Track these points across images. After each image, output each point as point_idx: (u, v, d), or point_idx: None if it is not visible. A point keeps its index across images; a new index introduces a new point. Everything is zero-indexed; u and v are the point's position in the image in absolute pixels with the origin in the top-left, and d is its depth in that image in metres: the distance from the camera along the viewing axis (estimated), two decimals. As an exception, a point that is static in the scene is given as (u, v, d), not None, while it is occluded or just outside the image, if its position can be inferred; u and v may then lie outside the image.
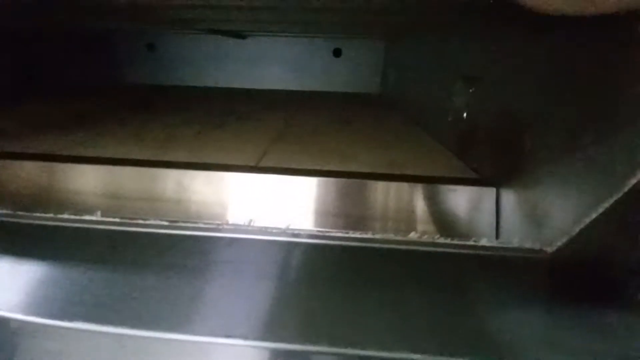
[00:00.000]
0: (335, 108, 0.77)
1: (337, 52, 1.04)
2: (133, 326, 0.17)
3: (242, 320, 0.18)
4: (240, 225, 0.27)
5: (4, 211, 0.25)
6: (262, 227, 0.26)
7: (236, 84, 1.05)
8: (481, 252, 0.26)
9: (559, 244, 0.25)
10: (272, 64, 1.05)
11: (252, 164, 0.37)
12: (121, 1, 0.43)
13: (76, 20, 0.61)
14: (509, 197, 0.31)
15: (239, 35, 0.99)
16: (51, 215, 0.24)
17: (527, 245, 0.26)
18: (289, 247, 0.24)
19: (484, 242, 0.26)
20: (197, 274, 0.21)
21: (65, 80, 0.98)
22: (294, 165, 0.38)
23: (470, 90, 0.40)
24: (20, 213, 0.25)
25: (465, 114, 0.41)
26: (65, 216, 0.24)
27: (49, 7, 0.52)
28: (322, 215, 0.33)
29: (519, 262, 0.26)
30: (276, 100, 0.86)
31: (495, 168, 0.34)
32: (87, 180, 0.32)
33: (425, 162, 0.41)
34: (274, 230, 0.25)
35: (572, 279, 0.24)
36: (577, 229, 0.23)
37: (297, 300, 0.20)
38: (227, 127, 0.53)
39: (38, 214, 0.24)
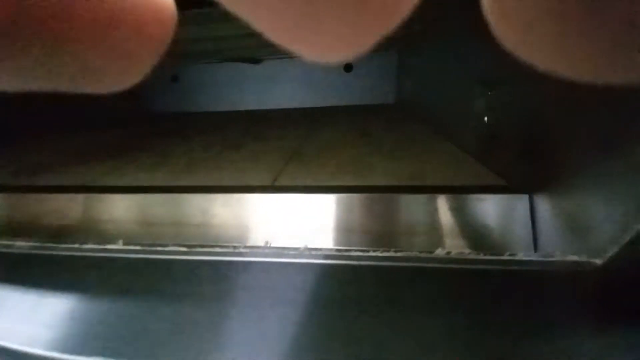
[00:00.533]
0: (351, 121, 0.77)
1: (347, 67, 1.05)
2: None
3: (261, 349, 0.17)
4: (257, 247, 0.27)
5: (31, 243, 0.26)
6: (279, 249, 0.25)
7: (253, 105, 1.08)
8: (519, 267, 0.23)
9: (610, 254, 0.22)
10: (286, 84, 1.07)
11: (268, 183, 0.36)
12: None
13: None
14: (544, 205, 0.28)
15: (254, 60, 1.02)
16: (77, 245, 0.25)
17: (571, 257, 0.24)
18: (307, 269, 0.23)
19: (521, 255, 0.24)
20: (215, 302, 0.20)
21: (92, 112, 1.05)
22: (310, 182, 0.37)
23: (489, 93, 0.38)
24: (47, 245, 0.26)
25: (486, 118, 0.39)
26: (89, 246, 0.25)
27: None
28: (343, 233, 0.31)
29: (565, 276, 0.23)
30: (292, 118, 0.87)
31: (527, 174, 0.31)
32: (112, 209, 0.33)
33: (449, 171, 0.39)
34: (292, 252, 0.24)
35: (629, 291, 0.21)
36: (627, 237, 0.21)
37: (318, 326, 0.19)
38: (244, 148, 0.54)
39: (64, 245, 0.25)
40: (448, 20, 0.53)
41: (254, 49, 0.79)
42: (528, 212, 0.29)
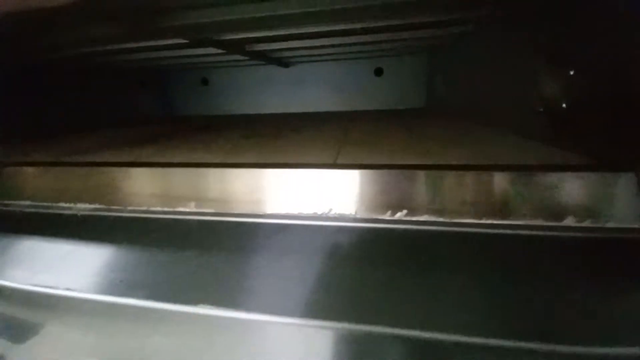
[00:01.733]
0: (388, 119, 0.75)
1: (378, 72, 1.04)
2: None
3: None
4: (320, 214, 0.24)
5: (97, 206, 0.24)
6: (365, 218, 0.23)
7: (281, 109, 1.08)
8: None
9: None
10: (315, 87, 1.07)
11: (330, 161, 0.34)
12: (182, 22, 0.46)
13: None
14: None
15: (283, 63, 1.03)
16: (144, 208, 0.23)
17: None
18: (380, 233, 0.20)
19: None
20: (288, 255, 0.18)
21: (122, 114, 1.06)
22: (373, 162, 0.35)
23: (571, 73, 0.35)
24: (130, 208, 0.24)
25: (564, 101, 0.36)
26: (161, 209, 0.23)
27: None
28: (418, 210, 0.28)
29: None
30: (323, 118, 0.86)
31: (627, 150, 0.28)
32: (173, 181, 0.31)
33: (522, 154, 0.36)
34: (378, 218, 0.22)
35: None
36: None
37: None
38: (285, 138, 0.52)
39: (131, 208, 0.23)
40: (493, 18, 0.51)
41: (285, 50, 0.79)
42: (634, 187, 0.26)
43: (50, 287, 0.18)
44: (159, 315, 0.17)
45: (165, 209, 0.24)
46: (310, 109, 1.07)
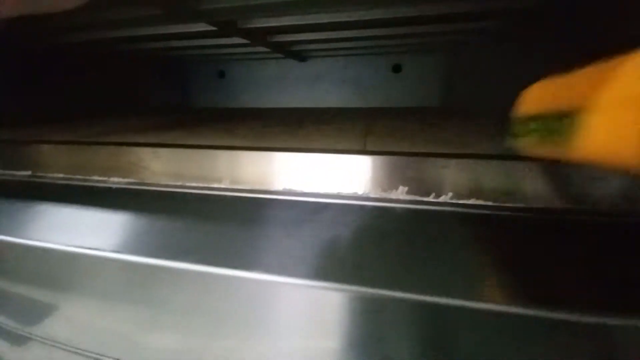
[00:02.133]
0: (407, 116, 0.74)
1: (396, 68, 1.03)
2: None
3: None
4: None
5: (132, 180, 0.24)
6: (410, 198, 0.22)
7: (297, 104, 1.08)
8: None
9: None
10: (332, 84, 1.07)
11: (360, 148, 0.33)
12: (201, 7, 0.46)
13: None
14: None
15: (300, 57, 1.03)
16: (180, 183, 0.23)
17: None
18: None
19: None
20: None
21: (142, 103, 1.08)
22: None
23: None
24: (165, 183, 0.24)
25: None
26: (194, 184, 0.23)
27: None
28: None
29: None
30: (342, 113, 0.85)
31: None
32: (204, 162, 0.30)
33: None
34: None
35: None
36: None
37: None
38: (307, 128, 0.51)
39: (165, 182, 0.23)
40: (517, 14, 0.50)
41: (303, 44, 0.79)
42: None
43: (90, 249, 0.19)
44: (186, 275, 0.17)
45: (200, 185, 0.24)
46: (327, 105, 1.06)
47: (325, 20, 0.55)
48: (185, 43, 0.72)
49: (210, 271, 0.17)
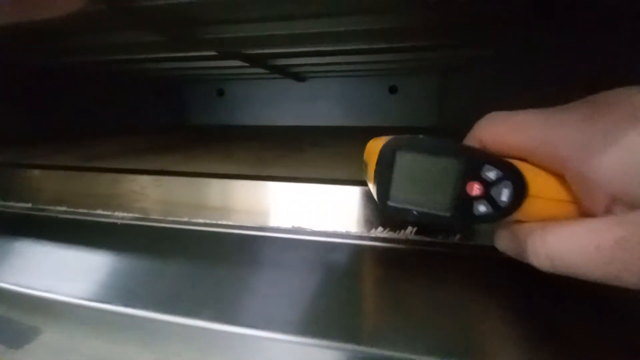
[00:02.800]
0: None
1: (392, 89, 1.06)
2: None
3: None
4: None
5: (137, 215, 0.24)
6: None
7: (295, 122, 1.09)
8: None
9: None
10: (329, 103, 1.09)
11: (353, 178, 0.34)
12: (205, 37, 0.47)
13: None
14: None
15: (299, 78, 1.05)
16: (186, 219, 0.23)
17: None
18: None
19: None
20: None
21: (137, 123, 1.08)
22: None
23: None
24: (170, 219, 0.24)
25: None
26: (197, 220, 0.23)
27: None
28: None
29: None
30: (340, 133, 0.86)
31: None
32: (208, 192, 0.31)
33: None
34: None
35: None
36: None
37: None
38: (308, 151, 0.52)
39: (162, 217, 0.23)
40: (512, 42, 0.52)
41: (303, 66, 0.81)
42: None
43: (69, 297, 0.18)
44: (167, 327, 0.17)
45: (202, 221, 0.24)
46: (325, 124, 1.08)
47: (324, 48, 0.56)
48: (185, 64, 0.73)
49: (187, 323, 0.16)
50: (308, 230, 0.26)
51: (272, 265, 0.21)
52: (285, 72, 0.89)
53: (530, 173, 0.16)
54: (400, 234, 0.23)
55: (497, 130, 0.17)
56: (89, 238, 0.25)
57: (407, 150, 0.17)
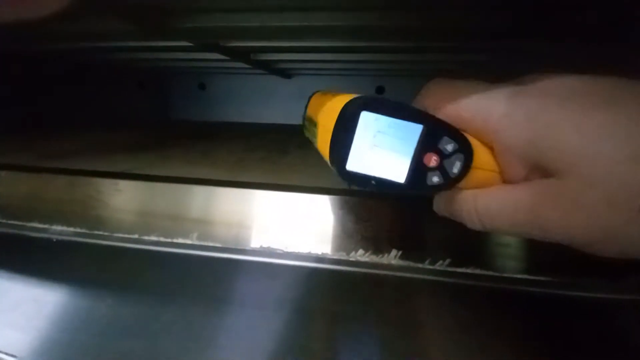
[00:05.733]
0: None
1: (379, 90, 1.04)
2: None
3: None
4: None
5: (78, 230, 0.21)
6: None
7: (281, 120, 1.06)
8: None
9: None
10: (316, 101, 1.06)
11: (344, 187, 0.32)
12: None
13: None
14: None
15: (285, 74, 1.02)
16: (119, 235, 0.20)
17: None
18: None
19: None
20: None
21: (118, 114, 1.02)
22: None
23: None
24: (94, 232, 0.20)
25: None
26: (154, 238, 0.20)
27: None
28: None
29: None
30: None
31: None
32: (172, 200, 0.27)
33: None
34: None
35: None
36: None
37: None
38: (293, 153, 0.50)
39: (107, 234, 0.20)
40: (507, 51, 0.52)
41: (289, 62, 0.78)
42: None
43: None
44: None
45: (153, 239, 0.20)
46: (310, 122, 1.05)
47: (309, 44, 0.54)
48: (163, 55, 0.69)
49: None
50: (278, 251, 0.23)
51: (231, 303, 0.18)
52: (270, 68, 0.86)
53: (472, 144, 0.16)
54: (383, 258, 0.21)
55: (439, 98, 0.18)
56: (13, 258, 0.20)
57: (372, 111, 0.16)
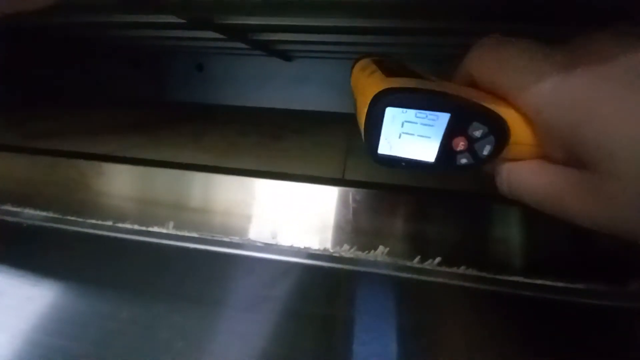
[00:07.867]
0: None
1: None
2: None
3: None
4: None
5: (50, 214, 0.20)
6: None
7: (281, 104, 1.03)
8: None
9: None
10: (317, 86, 1.03)
11: (337, 176, 0.30)
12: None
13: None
14: None
15: (285, 56, 0.98)
16: (93, 221, 0.19)
17: None
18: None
19: None
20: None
21: (114, 94, 1.00)
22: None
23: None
24: (67, 218, 0.19)
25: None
26: (108, 223, 0.19)
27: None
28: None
29: None
30: (325, 118, 0.82)
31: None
32: (150, 184, 0.26)
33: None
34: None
35: None
36: None
37: None
38: (287, 139, 0.48)
39: (81, 220, 0.19)
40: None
41: (289, 44, 0.74)
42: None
43: None
44: None
45: (135, 227, 0.19)
46: (311, 107, 1.02)
47: (309, 24, 0.51)
48: (155, 33, 0.66)
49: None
50: (257, 244, 0.21)
51: (197, 302, 0.16)
52: (269, 49, 0.82)
53: (510, 118, 0.16)
54: (370, 255, 0.20)
55: (486, 66, 0.17)
56: None
57: (397, 106, 0.16)
